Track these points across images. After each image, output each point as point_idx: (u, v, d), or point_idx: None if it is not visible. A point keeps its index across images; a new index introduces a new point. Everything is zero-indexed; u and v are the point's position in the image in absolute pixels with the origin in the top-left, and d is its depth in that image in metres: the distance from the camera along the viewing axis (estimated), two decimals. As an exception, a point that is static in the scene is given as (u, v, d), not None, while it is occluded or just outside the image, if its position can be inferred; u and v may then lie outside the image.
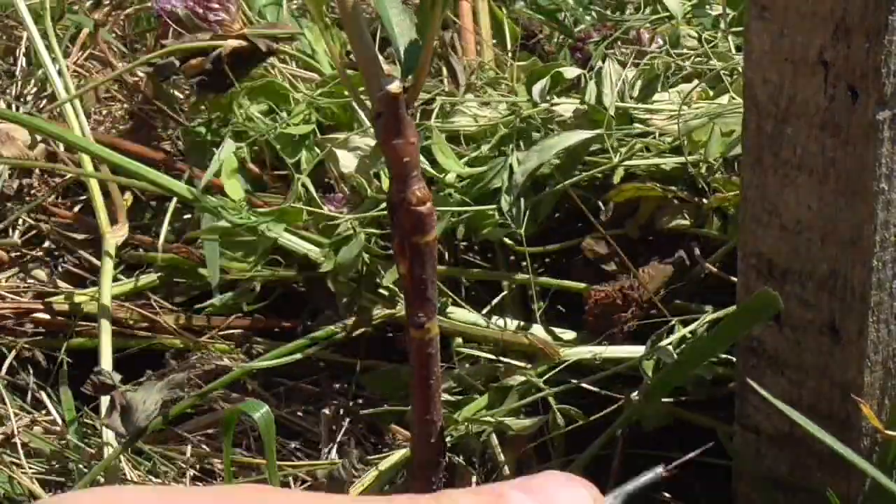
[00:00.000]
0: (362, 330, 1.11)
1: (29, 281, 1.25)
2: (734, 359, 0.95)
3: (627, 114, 1.15)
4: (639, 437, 1.03)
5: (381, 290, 1.11)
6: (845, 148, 0.80)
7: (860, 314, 0.84)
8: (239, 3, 1.21)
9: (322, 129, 1.23)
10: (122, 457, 1.03)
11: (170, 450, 1.08)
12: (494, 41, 1.36)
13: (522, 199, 1.08)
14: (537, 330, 1.08)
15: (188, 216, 1.25)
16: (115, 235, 1.19)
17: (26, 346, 1.17)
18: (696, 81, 1.16)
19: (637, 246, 1.12)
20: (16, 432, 1.09)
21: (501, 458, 1.04)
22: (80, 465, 1.06)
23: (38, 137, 1.31)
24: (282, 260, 1.16)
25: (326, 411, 1.10)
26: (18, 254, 1.28)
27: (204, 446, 1.09)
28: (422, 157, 1.09)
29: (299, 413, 1.12)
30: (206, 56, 1.20)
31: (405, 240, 0.69)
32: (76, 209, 1.31)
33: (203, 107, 1.27)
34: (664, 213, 1.10)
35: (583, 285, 1.10)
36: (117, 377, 1.02)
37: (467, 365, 1.08)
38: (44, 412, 1.13)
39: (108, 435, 1.03)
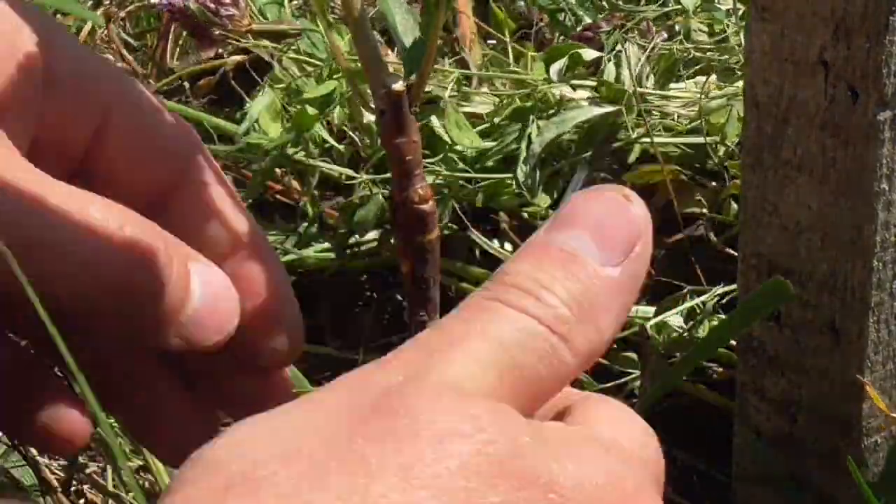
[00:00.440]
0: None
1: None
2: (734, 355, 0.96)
3: (645, 99, 1.15)
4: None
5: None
6: (846, 148, 0.80)
7: (860, 314, 0.84)
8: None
9: None
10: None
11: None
12: (494, 41, 1.36)
13: (538, 171, 1.09)
14: None
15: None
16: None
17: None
18: (712, 76, 1.17)
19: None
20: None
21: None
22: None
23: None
24: None
25: None
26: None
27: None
28: (436, 125, 1.10)
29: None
30: (212, 74, 1.22)
31: (407, 238, 0.70)
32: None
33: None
34: (682, 197, 1.11)
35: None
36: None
37: None
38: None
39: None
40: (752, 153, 0.85)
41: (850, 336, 0.85)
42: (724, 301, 1.04)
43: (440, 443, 0.40)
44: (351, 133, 1.20)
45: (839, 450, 0.87)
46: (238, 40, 1.23)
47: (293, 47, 1.26)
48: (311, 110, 1.16)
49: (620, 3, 1.34)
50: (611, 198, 0.47)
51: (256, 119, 1.18)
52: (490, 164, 1.13)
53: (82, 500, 1.01)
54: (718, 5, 1.28)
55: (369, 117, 1.17)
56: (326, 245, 1.17)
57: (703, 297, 1.02)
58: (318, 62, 1.27)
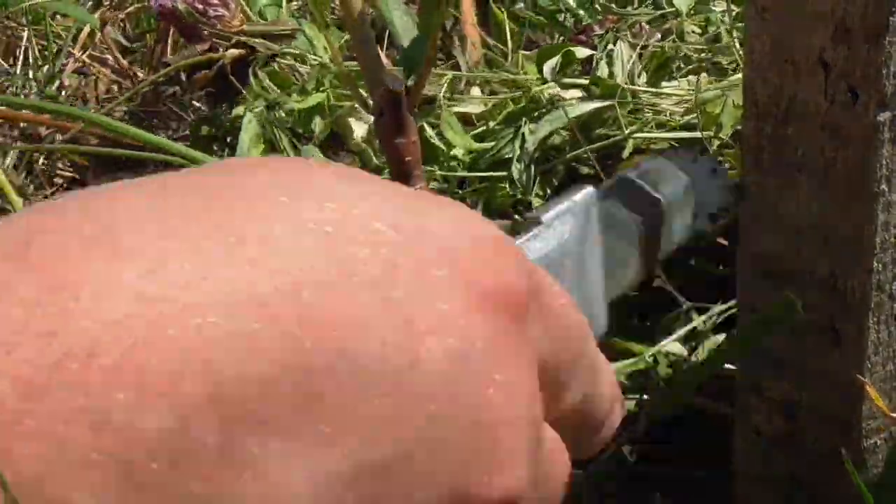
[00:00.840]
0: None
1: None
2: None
3: (638, 95, 1.15)
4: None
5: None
6: (845, 149, 0.80)
7: (860, 316, 0.84)
8: (238, 0, 1.21)
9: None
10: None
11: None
12: (494, 44, 1.36)
13: (533, 167, 1.09)
14: None
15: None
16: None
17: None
18: (703, 74, 1.17)
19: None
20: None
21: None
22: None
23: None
24: None
25: None
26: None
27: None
28: (431, 134, 1.10)
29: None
30: (209, 67, 1.21)
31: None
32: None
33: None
34: None
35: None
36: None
37: None
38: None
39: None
40: (752, 153, 0.85)
41: (849, 337, 0.85)
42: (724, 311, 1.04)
43: None
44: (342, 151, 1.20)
45: (839, 450, 0.87)
46: (229, 40, 1.23)
47: (286, 49, 1.26)
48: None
49: (614, 6, 1.34)
50: None
51: (247, 151, 1.18)
52: (483, 167, 1.13)
53: None
54: (713, 7, 1.28)
55: (359, 133, 1.18)
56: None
57: (702, 318, 1.01)
58: (312, 63, 1.27)
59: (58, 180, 1.35)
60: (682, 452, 1.03)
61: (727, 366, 1.02)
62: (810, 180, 0.83)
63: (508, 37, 1.37)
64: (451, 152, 1.12)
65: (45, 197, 1.33)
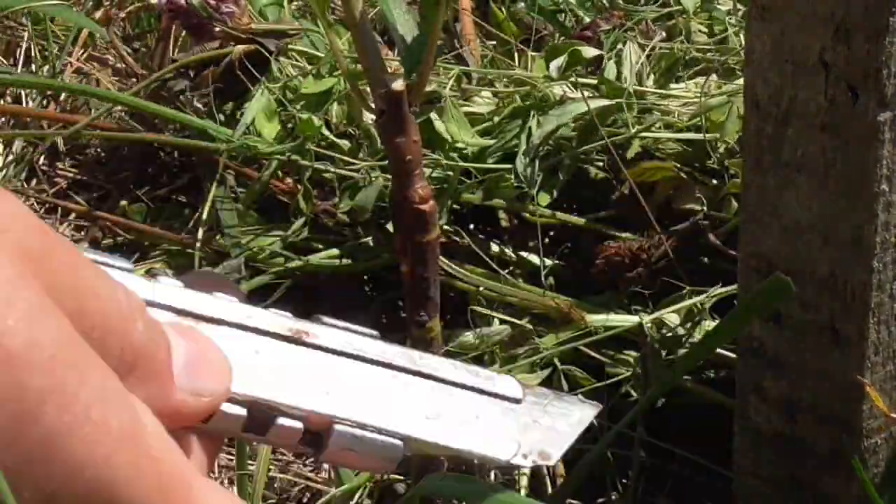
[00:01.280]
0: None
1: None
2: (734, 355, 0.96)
3: (645, 97, 1.15)
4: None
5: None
6: (846, 149, 0.80)
7: (860, 315, 0.84)
8: (247, -2, 1.22)
9: None
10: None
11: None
12: (494, 42, 1.36)
13: (537, 162, 1.09)
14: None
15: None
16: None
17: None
18: (712, 76, 1.17)
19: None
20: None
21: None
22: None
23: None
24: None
25: None
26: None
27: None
28: (439, 127, 1.10)
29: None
30: (216, 64, 1.22)
31: (407, 238, 0.70)
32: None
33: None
34: (681, 194, 1.11)
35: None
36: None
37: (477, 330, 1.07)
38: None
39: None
40: (753, 153, 0.85)
41: (850, 337, 0.85)
42: (721, 300, 1.04)
43: None
44: (352, 131, 1.21)
45: (839, 450, 0.87)
46: (239, 37, 1.23)
47: (293, 47, 1.26)
48: (315, 120, 1.16)
49: (620, 1, 1.34)
50: None
51: (252, 121, 1.18)
52: (490, 162, 1.13)
53: None
54: (718, 6, 1.28)
55: (369, 116, 1.18)
56: (332, 251, 1.17)
57: (700, 298, 1.02)
58: (319, 56, 1.27)
59: (58, 180, 1.35)
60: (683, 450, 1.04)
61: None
62: (810, 180, 0.83)
63: (512, 38, 1.37)
64: (457, 143, 1.13)
65: (46, 197, 1.33)
